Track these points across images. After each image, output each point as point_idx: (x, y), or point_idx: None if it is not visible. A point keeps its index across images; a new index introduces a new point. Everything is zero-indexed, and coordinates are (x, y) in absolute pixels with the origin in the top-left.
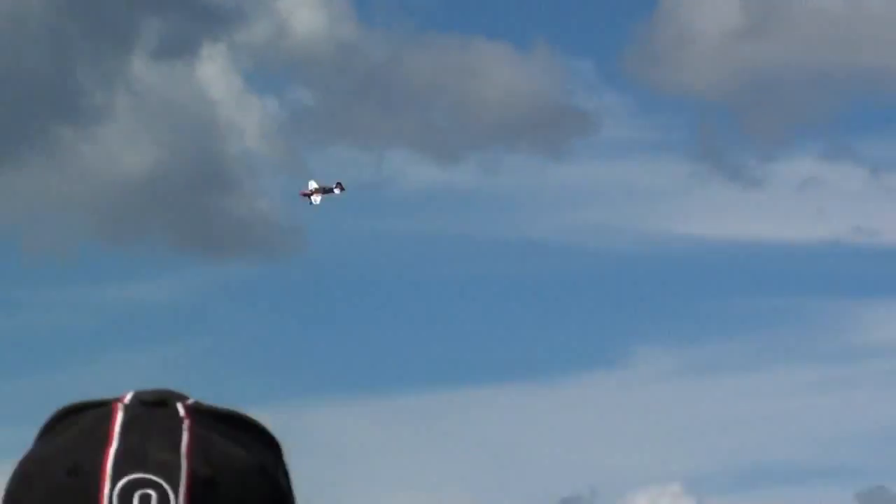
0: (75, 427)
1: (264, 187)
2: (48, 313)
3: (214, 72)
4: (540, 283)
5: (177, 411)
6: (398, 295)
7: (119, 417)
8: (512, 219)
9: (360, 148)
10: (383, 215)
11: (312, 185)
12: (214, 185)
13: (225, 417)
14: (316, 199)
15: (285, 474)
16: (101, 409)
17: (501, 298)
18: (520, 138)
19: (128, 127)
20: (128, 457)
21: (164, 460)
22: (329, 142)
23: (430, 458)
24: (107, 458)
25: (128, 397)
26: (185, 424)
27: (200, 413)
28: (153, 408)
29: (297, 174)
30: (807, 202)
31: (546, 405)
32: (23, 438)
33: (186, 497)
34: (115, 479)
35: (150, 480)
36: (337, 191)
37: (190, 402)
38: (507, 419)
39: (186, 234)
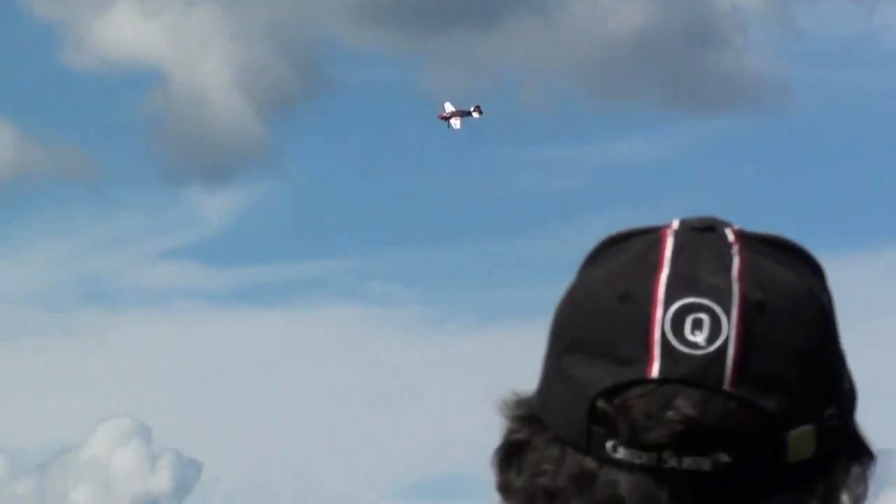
0: (624, 254)
1: (754, 43)
2: (536, 172)
3: None
4: None
5: (725, 236)
6: (885, 151)
7: (669, 243)
8: None
9: (850, 0)
10: (873, 69)
11: (449, 107)
12: (704, 41)
13: (771, 242)
14: (455, 122)
15: (829, 300)
16: (649, 236)
17: None
18: None
19: None
20: (679, 281)
21: (716, 284)
22: None
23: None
24: (658, 283)
25: (675, 224)
26: (735, 248)
27: (748, 237)
28: (702, 233)
29: (787, 29)
30: None
31: None
32: (514, 297)
33: (738, 321)
34: (668, 303)
35: (702, 305)
36: (475, 114)
37: (736, 227)
38: None
39: (675, 92)
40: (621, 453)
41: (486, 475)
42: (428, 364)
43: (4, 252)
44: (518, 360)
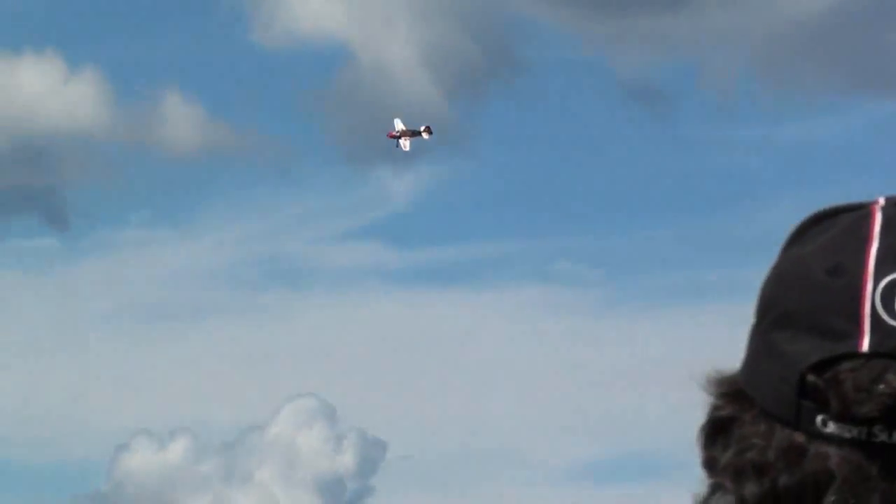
0: (833, 229)
1: None
2: (721, 152)
3: None
4: None
5: None
6: None
7: (878, 218)
8: None
9: None
10: None
11: (399, 125)
12: (890, 20)
13: None
14: (405, 143)
15: None
16: (857, 212)
17: None
18: None
19: None
20: (889, 256)
21: None
22: None
23: None
24: (868, 258)
25: (881, 200)
26: None
27: None
28: None
29: None
30: None
31: None
32: (700, 277)
33: None
34: (878, 278)
35: None
36: (425, 135)
37: None
38: None
39: (861, 72)
40: (831, 427)
41: (666, 453)
42: (611, 343)
43: (191, 232)
44: (705, 338)
